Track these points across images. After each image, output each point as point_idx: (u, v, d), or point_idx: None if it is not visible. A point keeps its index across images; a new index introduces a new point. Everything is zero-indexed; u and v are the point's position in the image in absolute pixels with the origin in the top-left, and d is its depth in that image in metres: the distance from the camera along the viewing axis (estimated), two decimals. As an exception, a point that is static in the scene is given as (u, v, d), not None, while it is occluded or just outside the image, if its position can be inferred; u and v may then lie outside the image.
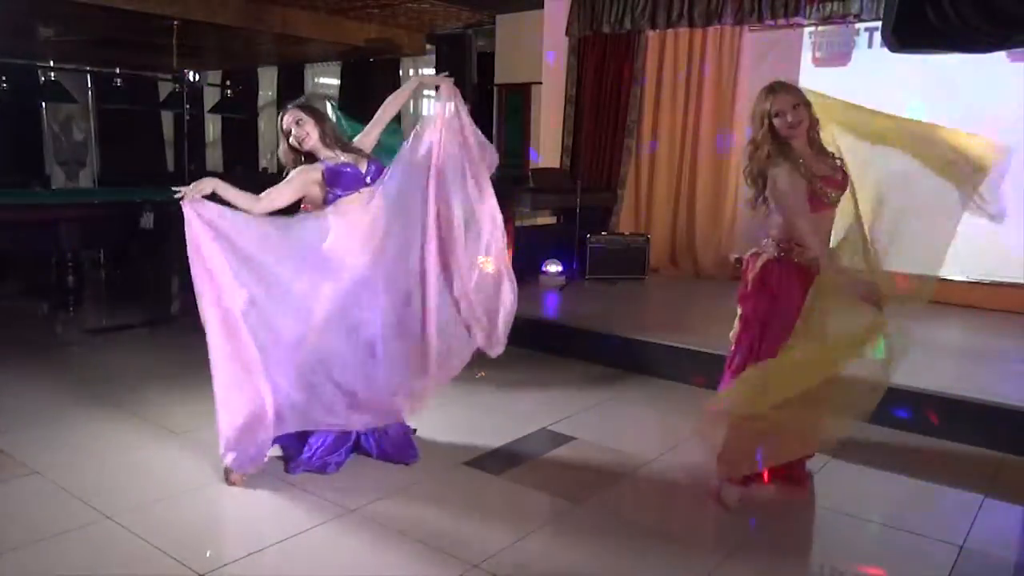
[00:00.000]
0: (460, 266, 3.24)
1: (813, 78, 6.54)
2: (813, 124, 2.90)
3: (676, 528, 2.95)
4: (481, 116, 8.46)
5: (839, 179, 2.90)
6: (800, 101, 2.86)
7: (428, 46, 8.89)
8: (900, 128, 2.96)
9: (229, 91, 10.09)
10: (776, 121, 2.85)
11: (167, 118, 12.32)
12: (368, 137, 3.32)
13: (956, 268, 6.26)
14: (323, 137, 3.13)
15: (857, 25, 6.40)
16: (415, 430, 3.53)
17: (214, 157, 12.38)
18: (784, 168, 2.83)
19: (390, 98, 3.37)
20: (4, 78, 8.63)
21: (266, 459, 3.20)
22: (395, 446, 3.36)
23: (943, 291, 6.19)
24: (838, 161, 2.93)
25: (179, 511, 2.91)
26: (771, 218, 2.96)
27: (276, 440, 3.22)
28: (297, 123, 3.11)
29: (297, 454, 3.22)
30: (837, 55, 6.64)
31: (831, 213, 2.93)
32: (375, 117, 3.36)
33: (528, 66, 7.68)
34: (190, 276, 2.90)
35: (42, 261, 6.55)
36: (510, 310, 3.37)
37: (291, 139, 3.12)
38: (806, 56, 6.85)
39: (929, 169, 2.87)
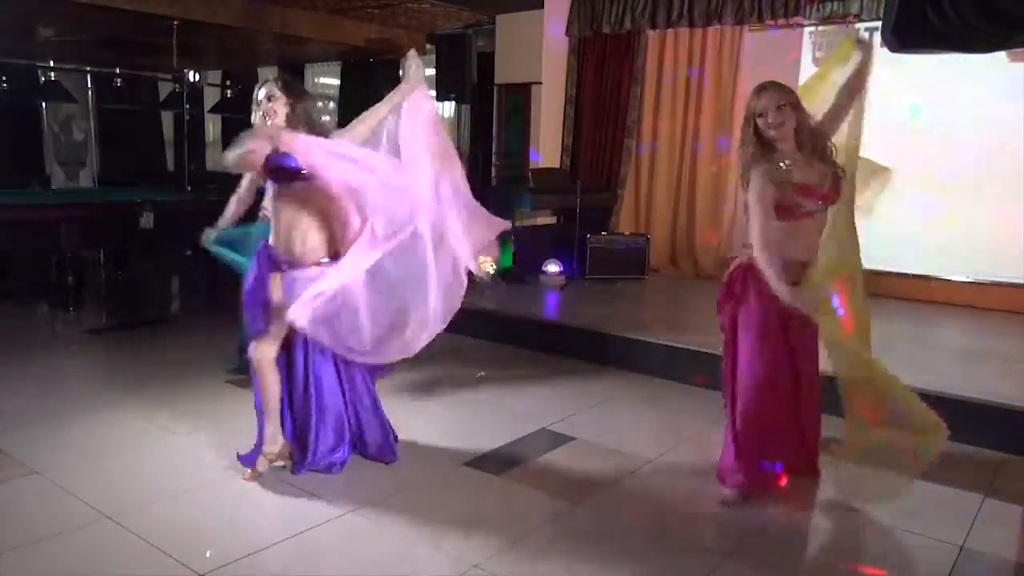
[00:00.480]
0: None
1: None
2: (801, 126, 2.83)
3: (676, 528, 2.95)
4: (481, 116, 8.48)
5: (823, 190, 2.82)
6: (786, 102, 2.80)
7: (428, 46, 8.89)
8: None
9: (229, 91, 10.10)
10: (759, 121, 2.82)
11: (167, 118, 12.32)
12: (351, 133, 3.04)
13: (956, 268, 6.28)
14: (290, 118, 2.97)
15: (857, 25, 6.39)
16: (396, 438, 3.49)
17: (214, 157, 12.37)
18: (757, 171, 2.79)
19: (382, 102, 3.08)
20: (4, 78, 8.64)
21: (276, 461, 3.20)
22: (379, 448, 3.36)
23: (943, 291, 6.27)
24: (840, 171, 2.86)
25: (179, 511, 2.91)
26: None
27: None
28: (268, 98, 2.97)
29: (302, 457, 3.22)
30: (837, 55, 6.63)
31: (809, 223, 2.85)
32: (363, 114, 3.11)
33: (528, 66, 7.68)
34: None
35: (42, 261, 6.56)
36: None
37: (260, 112, 2.98)
38: (806, 56, 6.85)
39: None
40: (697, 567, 2.61)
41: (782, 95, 2.82)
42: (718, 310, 3.07)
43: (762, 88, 2.86)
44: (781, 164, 2.81)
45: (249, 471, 3.16)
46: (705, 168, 7.45)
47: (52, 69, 9.58)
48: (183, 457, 3.39)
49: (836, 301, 2.91)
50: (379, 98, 3.17)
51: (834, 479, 3.15)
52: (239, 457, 3.23)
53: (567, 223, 7.30)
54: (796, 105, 2.83)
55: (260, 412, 3.20)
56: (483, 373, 4.73)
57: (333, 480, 3.16)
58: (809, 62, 6.84)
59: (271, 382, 3.14)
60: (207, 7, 7.30)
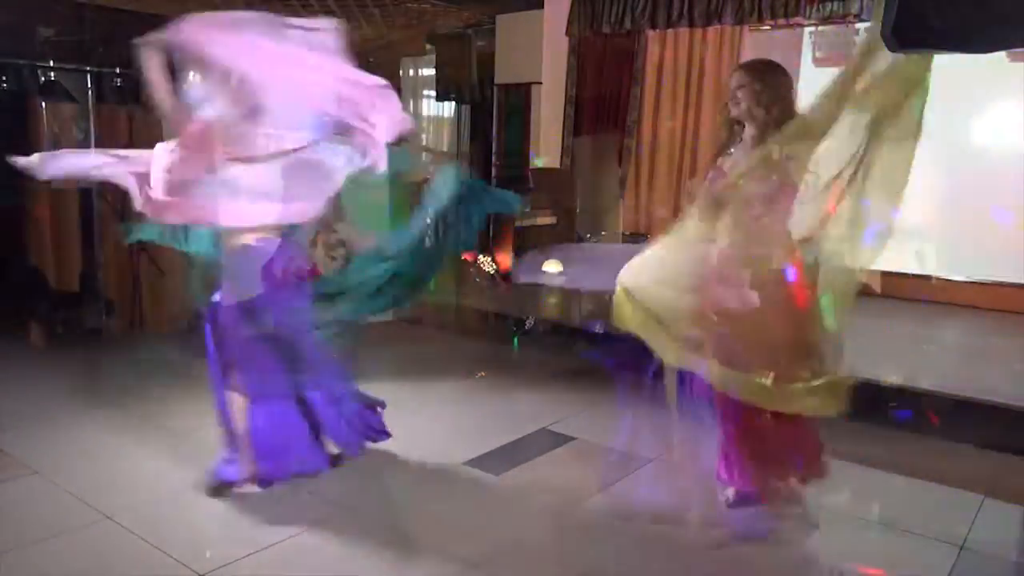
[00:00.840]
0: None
1: (813, 78, 6.54)
2: (754, 112, 2.78)
3: (676, 528, 2.95)
4: (481, 116, 8.47)
5: (725, 175, 2.86)
6: (745, 84, 2.78)
7: (428, 46, 8.89)
8: None
9: (229, 91, 10.08)
10: (730, 100, 2.87)
11: (167, 118, 12.32)
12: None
13: (956, 268, 6.27)
14: None
15: (857, 25, 6.39)
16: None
17: (214, 157, 12.36)
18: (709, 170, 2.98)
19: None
20: (4, 78, 8.62)
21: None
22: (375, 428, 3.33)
23: (943, 291, 6.27)
24: (808, 174, 2.74)
25: (179, 511, 2.91)
26: None
27: None
28: None
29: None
30: (837, 55, 6.62)
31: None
32: None
33: (528, 66, 7.67)
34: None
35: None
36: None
37: None
38: (806, 56, 6.85)
39: None
40: (698, 566, 2.61)
41: (744, 77, 2.81)
42: None
43: (736, 68, 2.94)
44: (729, 150, 2.92)
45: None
46: (705, 168, 7.44)
47: (52, 69, 9.57)
48: (183, 457, 3.39)
49: (790, 272, 2.82)
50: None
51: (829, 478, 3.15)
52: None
53: (567, 223, 7.30)
54: (758, 90, 2.77)
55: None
56: (483, 373, 4.73)
57: (333, 480, 3.16)
58: (809, 62, 6.84)
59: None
60: (207, 7, 7.30)
